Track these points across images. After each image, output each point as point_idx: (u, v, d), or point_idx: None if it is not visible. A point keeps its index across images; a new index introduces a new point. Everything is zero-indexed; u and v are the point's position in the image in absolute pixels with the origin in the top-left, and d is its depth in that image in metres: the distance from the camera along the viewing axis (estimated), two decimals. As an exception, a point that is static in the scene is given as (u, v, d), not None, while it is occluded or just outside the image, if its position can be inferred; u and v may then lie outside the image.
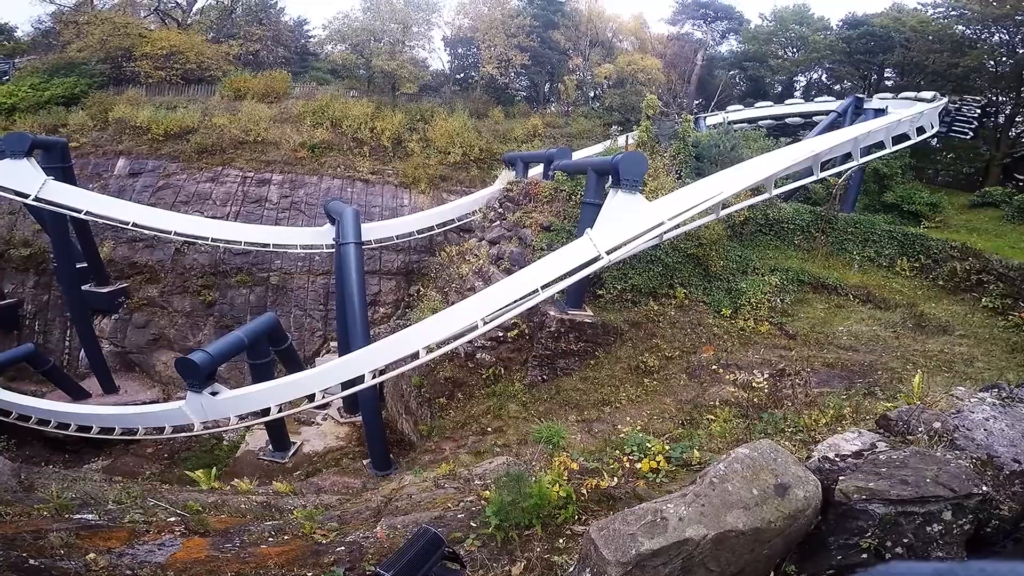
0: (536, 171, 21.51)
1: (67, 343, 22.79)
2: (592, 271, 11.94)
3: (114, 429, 14.93)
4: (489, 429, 12.36)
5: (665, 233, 12.32)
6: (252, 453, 17.30)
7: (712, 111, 31.72)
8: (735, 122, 26.89)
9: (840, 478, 3.23)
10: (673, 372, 12.63)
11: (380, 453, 14.97)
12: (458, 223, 23.07)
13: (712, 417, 8.90)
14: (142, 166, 24.97)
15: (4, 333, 22.76)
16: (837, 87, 34.85)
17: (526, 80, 36.23)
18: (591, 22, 35.26)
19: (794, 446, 5.17)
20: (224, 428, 14.40)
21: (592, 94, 36.35)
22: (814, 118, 26.73)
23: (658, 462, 5.07)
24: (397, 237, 22.25)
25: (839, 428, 5.55)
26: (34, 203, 17.02)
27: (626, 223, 12.11)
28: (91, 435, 15.36)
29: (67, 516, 4.08)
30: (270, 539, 4.12)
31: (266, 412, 12.78)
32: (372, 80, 32.45)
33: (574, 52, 34.53)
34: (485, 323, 11.55)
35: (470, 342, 13.10)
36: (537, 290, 11.61)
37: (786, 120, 28.74)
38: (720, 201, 12.46)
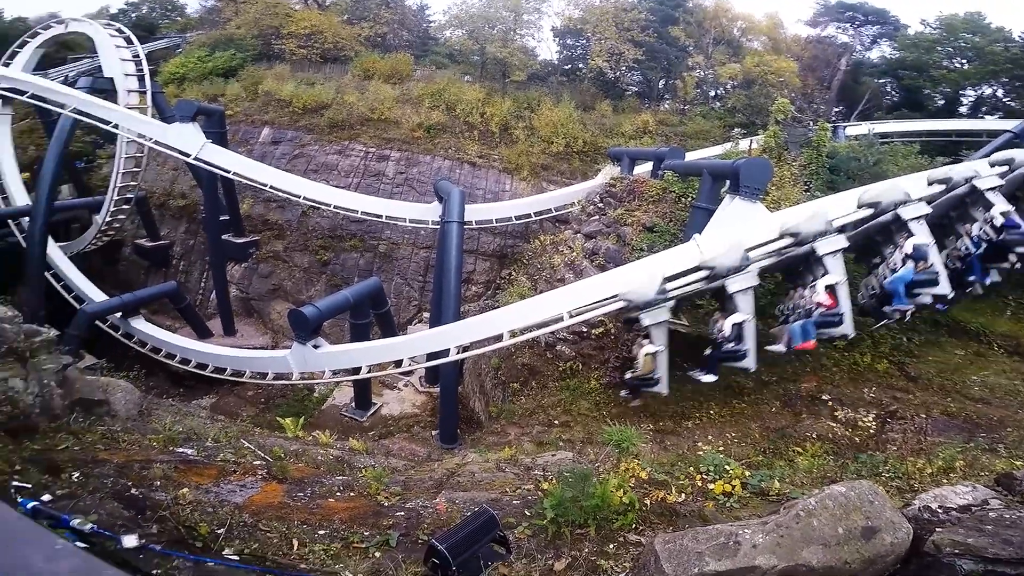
0: (643, 169, 20.80)
1: (202, 285, 26.07)
2: (694, 279, 11.24)
3: (226, 369, 16.88)
4: (556, 422, 12.33)
5: (785, 249, 11.17)
6: (336, 408, 18.60)
7: (854, 120, 28.59)
8: (882, 134, 23.98)
9: (937, 530, 3.09)
10: (766, 397, 11.82)
11: (450, 427, 15.49)
12: (555, 213, 23.05)
13: (800, 450, 8.37)
14: (282, 136, 27.71)
15: (156, 269, 26.61)
16: (1015, 105, 29.71)
17: (638, 75, 34.90)
18: (716, 19, 33.38)
19: (889, 492, 4.69)
20: (317, 381, 15.75)
21: (713, 93, 34.37)
22: (983, 137, 23.12)
23: (733, 486, 4.89)
24: (496, 220, 22.75)
25: (946, 480, 5.17)
26: (194, 162, 19.49)
27: (740, 233, 11.24)
28: (206, 373, 17.52)
29: (171, 449, 4.60)
30: (338, 493, 4.42)
31: (357, 371, 13.74)
32: (485, 66, 33.14)
33: (695, 49, 32.84)
34: (571, 316, 11.35)
35: (552, 333, 13.03)
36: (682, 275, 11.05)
37: (948, 136, 25.14)
38: (858, 219, 11.06)
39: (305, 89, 28.67)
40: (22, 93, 20.53)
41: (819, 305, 10.29)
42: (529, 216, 23.13)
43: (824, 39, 36.14)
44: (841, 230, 10.82)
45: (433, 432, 16.49)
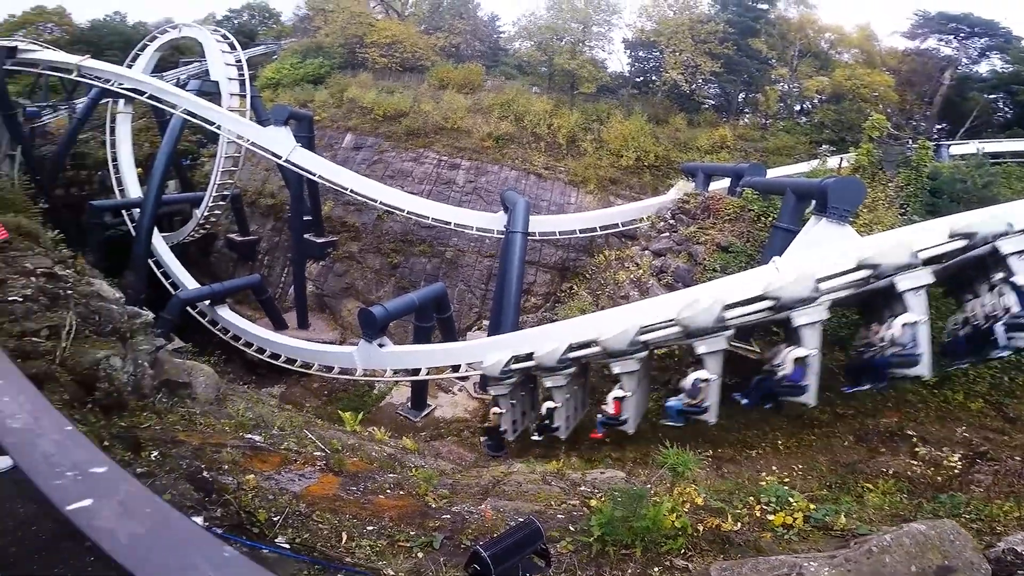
0: (719, 185, 20.02)
1: (283, 280, 27.83)
2: (757, 309, 10.61)
3: (296, 360, 17.88)
4: (607, 440, 12.08)
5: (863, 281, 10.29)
6: (392, 406, 19.13)
7: (959, 139, 26.12)
8: (993, 154, 21.75)
9: (1019, 572, 3.06)
10: (840, 431, 11.14)
11: (498, 435, 15.56)
12: (622, 228, 22.66)
13: (870, 487, 7.83)
14: (363, 142, 29.19)
15: (243, 262, 28.73)
16: None
17: (716, 88, 33.75)
18: (801, 31, 31.72)
19: (969, 534, 4.29)
20: (378, 379, 16.31)
21: (798, 108, 32.57)
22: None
23: (794, 519, 4.68)
24: (560, 233, 22.74)
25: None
26: (284, 164, 20.97)
27: (826, 257, 10.54)
28: (278, 363, 18.62)
29: (242, 434, 4.90)
30: (388, 491, 4.54)
31: (416, 372, 14.14)
32: (553, 78, 33.25)
33: (778, 62, 31.28)
34: (672, 325, 11.02)
35: (612, 349, 12.77)
36: (740, 304, 10.54)
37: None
38: (964, 246, 9.91)
39: (385, 97, 30.06)
40: (142, 93, 22.56)
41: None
42: (594, 230, 22.91)
43: (924, 52, 33.29)
44: (929, 262, 9.82)
45: (482, 438, 16.63)
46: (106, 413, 4.08)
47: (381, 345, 14.75)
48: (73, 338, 4.83)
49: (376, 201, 21.72)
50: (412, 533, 3.76)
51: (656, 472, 8.82)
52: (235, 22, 50.82)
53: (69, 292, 6.22)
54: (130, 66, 27.23)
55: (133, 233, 23.52)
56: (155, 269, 23.65)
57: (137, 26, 48.95)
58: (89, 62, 23.51)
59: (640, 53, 35.10)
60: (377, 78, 32.74)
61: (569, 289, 23.10)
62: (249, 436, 4.97)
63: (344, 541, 3.37)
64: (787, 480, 8.73)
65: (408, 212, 22.02)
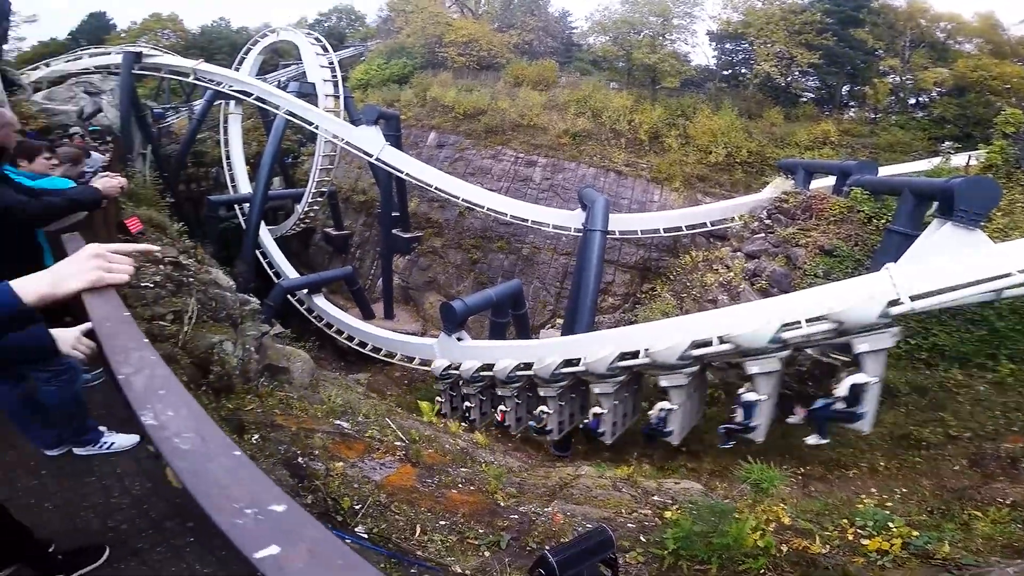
0: (822, 183, 18.52)
1: (372, 272, 29.44)
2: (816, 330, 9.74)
3: (381, 349, 18.84)
4: (684, 449, 11.67)
5: (1009, 288, 9.04)
6: None
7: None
8: None
9: None
10: (950, 454, 10.14)
11: (566, 435, 15.51)
12: (711, 228, 21.60)
13: (979, 515, 7.09)
14: (445, 140, 30.10)
15: (337, 255, 30.73)
16: None
17: (815, 80, 31.20)
18: (911, 20, 28.68)
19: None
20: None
21: (913, 101, 29.36)
22: None
23: (891, 544, 4.34)
24: (641, 232, 22.12)
25: None
26: (375, 162, 22.13)
27: (950, 265, 9.39)
28: (364, 351, 19.72)
29: (331, 420, 5.20)
30: (459, 485, 4.66)
31: (491, 367, 14.41)
32: (631, 72, 32.28)
33: (887, 52, 28.40)
34: (722, 342, 10.57)
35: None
36: (800, 322, 9.83)
37: None
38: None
39: (465, 95, 30.75)
40: (249, 95, 24.45)
41: None
42: (679, 229, 22.00)
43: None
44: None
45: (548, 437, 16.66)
46: (216, 395, 4.54)
47: (459, 339, 15.23)
48: (193, 323, 5.41)
49: (458, 198, 22.34)
50: (481, 531, 3.84)
51: (736, 487, 8.43)
52: (325, 25, 53.91)
53: (191, 280, 6.96)
54: (237, 69, 29.53)
55: (243, 226, 25.92)
56: (261, 259, 25.92)
57: (240, 31, 53.34)
58: (203, 66, 25.88)
59: (727, 45, 33.33)
60: (456, 77, 33.58)
61: (651, 290, 22.45)
62: (338, 422, 5.27)
63: (417, 534, 3.51)
64: (887, 504, 8.08)
65: (487, 209, 22.43)
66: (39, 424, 3.56)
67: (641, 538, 4.32)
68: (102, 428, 3.77)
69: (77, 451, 3.68)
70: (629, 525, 4.65)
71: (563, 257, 25.24)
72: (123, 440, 3.75)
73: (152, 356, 1.17)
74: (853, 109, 30.51)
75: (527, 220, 22.28)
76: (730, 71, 34.07)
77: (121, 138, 21.18)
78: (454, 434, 6.76)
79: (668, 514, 4.82)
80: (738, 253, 16.94)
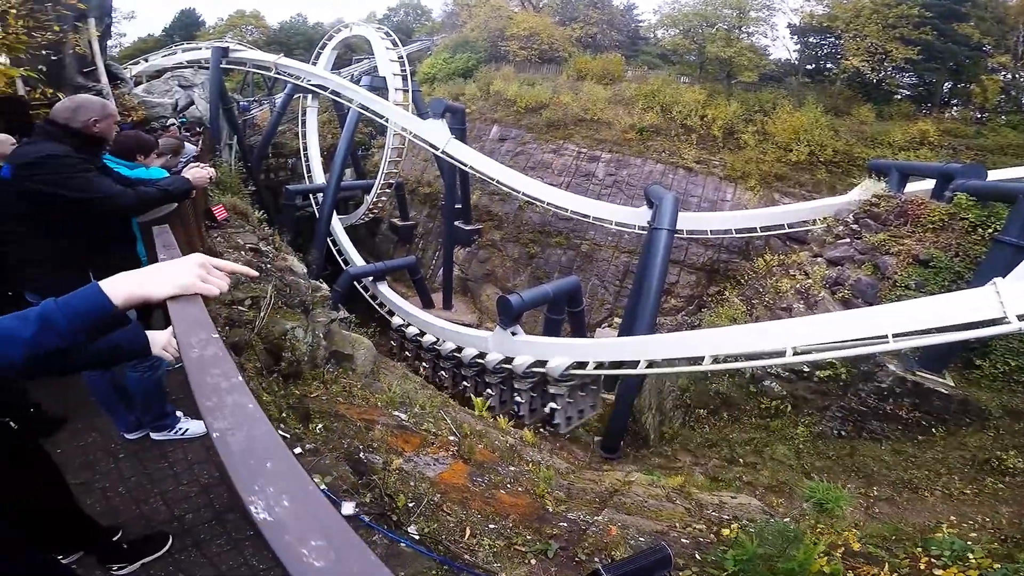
0: (918, 187, 16.97)
1: (433, 262, 30.13)
2: (985, 335, 8.74)
3: (438, 339, 19.23)
4: (741, 461, 11.17)
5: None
6: None
7: None
8: None
9: None
10: None
11: (615, 438, 15.18)
12: (788, 230, 20.24)
13: None
14: (507, 133, 30.16)
15: (401, 244, 31.66)
16: None
17: (911, 77, 28.61)
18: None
19: None
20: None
21: (1027, 100, 26.44)
22: None
23: None
24: (711, 232, 21.15)
25: None
26: (440, 155, 22.53)
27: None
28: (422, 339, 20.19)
29: (390, 411, 5.28)
30: (508, 485, 4.62)
31: (543, 363, 14.37)
32: (704, 66, 30.94)
33: (996, 48, 25.70)
34: (796, 353, 9.83)
35: (764, 366, 11.75)
36: (887, 337, 8.97)
37: None
38: None
39: (527, 89, 30.67)
40: (325, 89, 25.51)
41: None
42: (753, 231, 20.75)
43: None
44: None
45: (596, 438, 16.43)
46: (285, 381, 4.76)
47: (514, 333, 15.28)
48: (269, 308, 5.71)
49: (519, 192, 22.33)
50: (528, 537, 3.79)
51: (796, 504, 7.97)
52: (393, 20, 55.38)
53: (269, 266, 7.36)
54: (314, 64, 30.83)
55: (316, 214, 27.22)
56: (331, 247, 27.15)
57: (316, 26, 55.74)
58: (283, 60, 27.35)
59: (810, 39, 31.30)
60: (518, 70, 33.61)
61: (717, 293, 21.54)
62: (396, 413, 5.35)
63: (467, 537, 3.48)
64: (958, 531, 7.45)
65: (548, 203, 22.27)
66: (123, 408, 3.67)
67: (696, 556, 4.15)
68: (179, 413, 3.86)
69: (154, 436, 3.78)
70: (683, 540, 4.49)
71: (624, 255, 24.69)
72: (197, 427, 3.80)
73: (248, 403, 0.99)
74: (956, 108, 27.86)
75: (588, 216, 21.92)
76: (814, 65, 32.02)
77: (211, 129, 22.74)
78: (503, 430, 6.76)
79: (726, 532, 4.62)
80: (818, 259, 15.88)
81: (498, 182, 22.35)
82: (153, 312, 4.68)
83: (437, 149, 22.28)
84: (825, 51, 31.14)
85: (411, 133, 23.25)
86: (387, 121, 24.00)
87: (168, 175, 3.91)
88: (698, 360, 10.98)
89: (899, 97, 28.07)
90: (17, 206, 2.78)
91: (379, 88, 26.16)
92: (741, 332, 11.10)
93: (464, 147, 22.86)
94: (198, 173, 3.51)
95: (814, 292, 14.48)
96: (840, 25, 26.75)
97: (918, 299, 10.01)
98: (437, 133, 22.24)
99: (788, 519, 6.86)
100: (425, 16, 57.97)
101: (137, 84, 19.92)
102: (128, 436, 3.75)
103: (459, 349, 17.64)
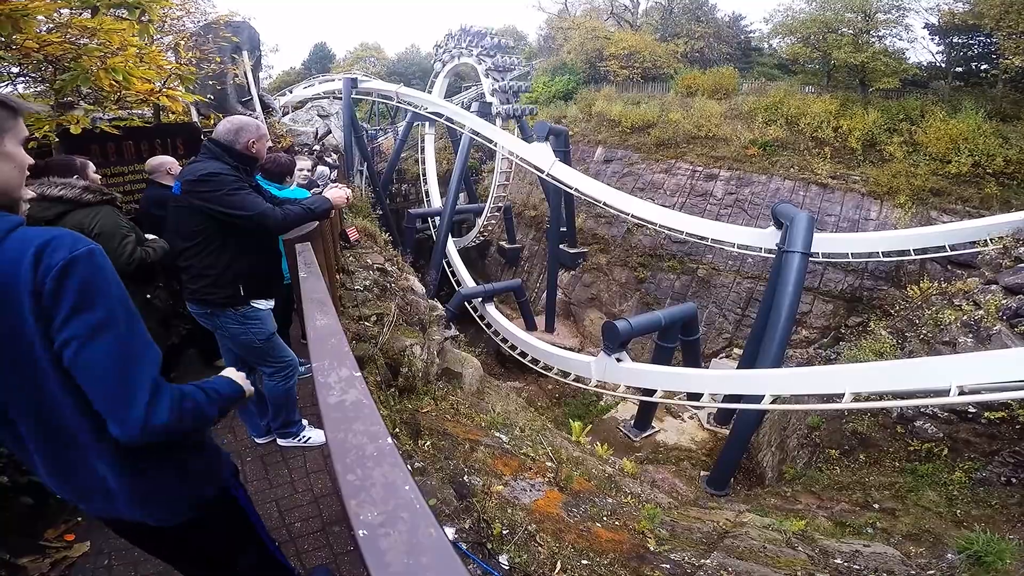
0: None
1: (537, 285, 30.39)
2: None
3: (539, 362, 19.14)
4: (876, 507, 9.51)
5: None
6: (615, 420, 18.72)
7: None
8: None
9: None
10: None
11: (725, 473, 13.87)
12: (950, 253, 17.30)
13: None
14: (613, 154, 29.69)
15: (508, 267, 32.40)
16: None
17: None
18: None
19: None
20: (608, 392, 16.35)
21: None
22: None
23: None
24: (853, 255, 18.69)
25: None
26: (546, 177, 22.76)
27: None
28: (525, 360, 20.25)
29: (493, 432, 5.26)
30: (604, 518, 4.35)
31: (650, 393, 13.65)
32: (831, 75, 28.24)
33: None
34: (962, 392, 8.50)
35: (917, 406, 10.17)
36: None
37: None
38: None
39: (631, 108, 30.01)
40: (441, 116, 27.00)
41: None
42: (906, 253, 17.95)
43: None
44: None
45: (703, 472, 15.12)
46: (401, 396, 4.96)
47: (619, 359, 14.71)
48: (392, 326, 6.07)
49: (628, 214, 21.76)
50: (624, 577, 3.51)
51: (941, 555, 6.67)
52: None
53: (392, 285, 7.87)
54: (429, 92, 32.97)
55: (433, 237, 28.87)
56: (446, 268, 28.54)
57: (427, 56, 59.61)
58: (403, 89, 29.59)
59: (954, 39, 27.38)
60: (620, 90, 33.12)
61: (859, 325, 19.14)
62: (498, 435, 5.33)
63: (556, 571, 3.25)
64: None
65: (660, 226, 21.39)
66: (256, 414, 3.84)
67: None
68: (304, 421, 3.97)
69: (280, 442, 3.89)
70: (805, 593, 3.90)
71: (748, 280, 22.94)
72: (319, 436, 3.86)
73: (403, 483, 0.83)
74: None
75: (707, 238, 20.57)
76: (962, 67, 27.97)
77: (345, 155, 25.20)
78: (601, 458, 6.46)
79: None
80: (992, 286, 13.37)
81: (605, 204, 21.99)
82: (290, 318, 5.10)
83: (543, 172, 22.58)
84: (976, 51, 27.31)
85: (517, 156, 23.84)
86: (495, 145, 24.90)
87: (310, 195, 4.26)
88: (836, 397, 9.75)
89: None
90: (190, 223, 3.04)
91: (486, 114, 27.32)
92: (893, 368, 9.70)
93: (569, 169, 22.91)
94: (337, 193, 3.66)
95: (987, 325, 12.17)
96: (989, 23, 23.15)
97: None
98: (542, 156, 22.56)
99: (933, 572, 5.76)
100: (522, 41, 59.56)
101: (285, 114, 22.67)
102: (258, 440, 3.94)
103: (565, 374, 17.42)
